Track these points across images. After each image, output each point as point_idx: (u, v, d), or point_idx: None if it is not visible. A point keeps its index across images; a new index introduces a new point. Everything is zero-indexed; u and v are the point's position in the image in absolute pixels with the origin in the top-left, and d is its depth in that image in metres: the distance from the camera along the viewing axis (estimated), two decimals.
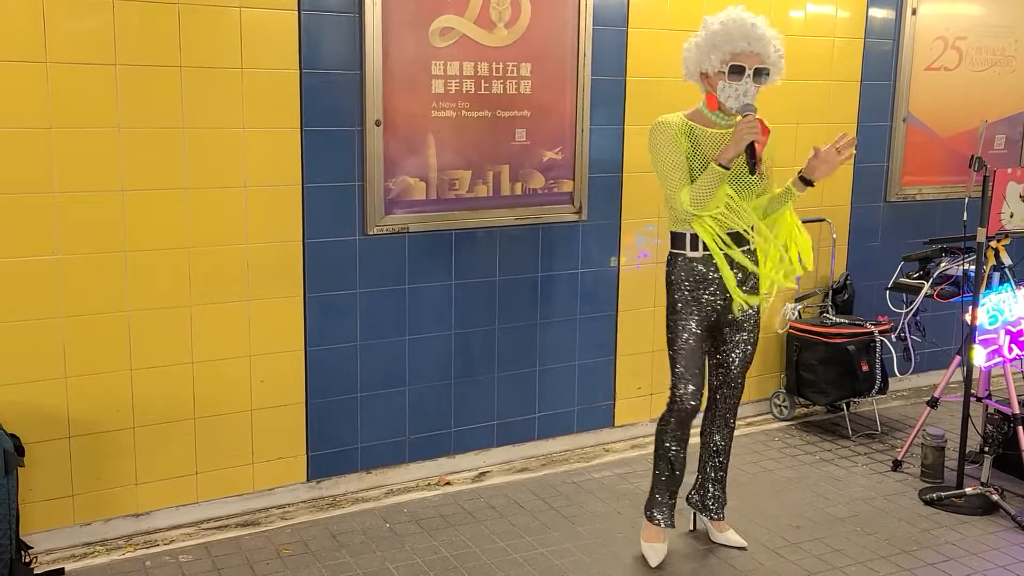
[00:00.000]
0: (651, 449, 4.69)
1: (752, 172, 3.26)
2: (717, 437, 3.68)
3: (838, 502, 4.13)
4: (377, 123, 3.87)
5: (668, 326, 3.47)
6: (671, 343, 3.46)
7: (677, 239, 3.44)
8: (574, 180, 4.37)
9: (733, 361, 3.55)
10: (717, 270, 3.39)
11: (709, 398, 3.64)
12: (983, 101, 5.54)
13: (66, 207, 3.41)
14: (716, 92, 3.27)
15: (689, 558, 3.63)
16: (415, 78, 3.93)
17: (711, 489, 3.73)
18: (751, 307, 3.49)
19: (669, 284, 3.47)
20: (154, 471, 3.72)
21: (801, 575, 3.52)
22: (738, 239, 3.37)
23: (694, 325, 3.42)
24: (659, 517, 3.58)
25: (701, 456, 3.73)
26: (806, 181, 3.37)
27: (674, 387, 3.46)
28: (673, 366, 3.46)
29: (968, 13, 5.43)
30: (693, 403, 3.44)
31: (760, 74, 3.24)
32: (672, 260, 3.47)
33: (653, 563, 3.55)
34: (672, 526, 3.61)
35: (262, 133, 3.70)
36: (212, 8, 3.55)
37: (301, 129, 3.77)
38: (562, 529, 3.85)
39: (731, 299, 3.44)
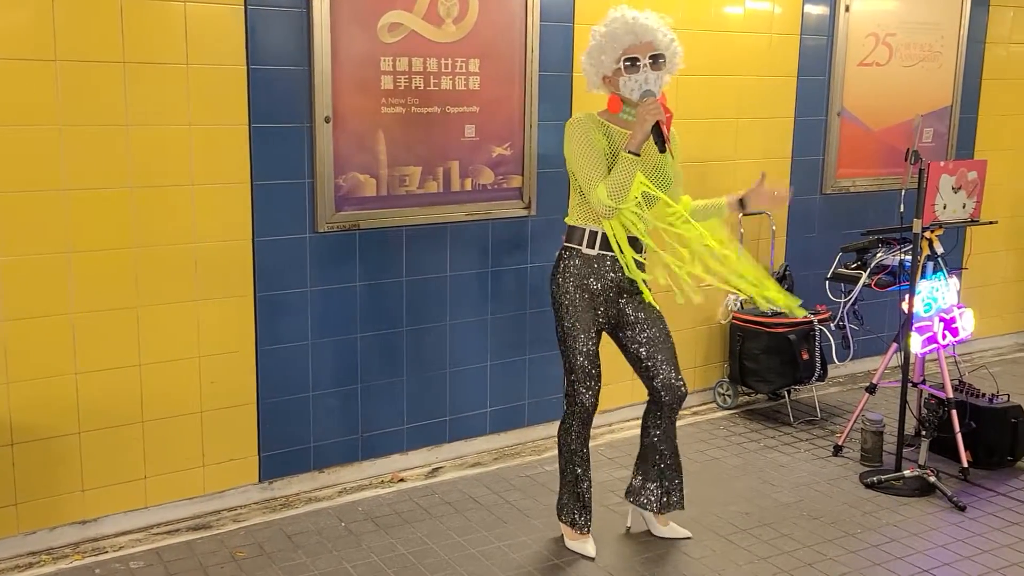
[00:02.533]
0: (601, 440, 4.77)
1: (662, 151, 3.28)
2: (660, 434, 3.62)
3: (783, 488, 4.25)
4: (326, 119, 3.83)
5: (560, 328, 3.44)
6: (565, 344, 3.43)
7: (574, 234, 3.41)
8: (523, 176, 4.39)
9: (659, 360, 3.49)
10: (611, 269, 3.41)
11: (653, 397, 3.59)
12: (912, 96, 5.73)
13: (5, 208, 3.31)
14: (620, 90, 3.32)
15: (642, 548, 3.69)
16: (364, 74, 3.90)
17: (664, 484, 3.69)
18: (649, 302, 3.49)
19: (557, 282, 3.44)
20: (101, 476, 3.64)
21: (752, 560, 3.61)
22: (634, 243, 3.41)
23: (588, 322, 3.41)
24: (580, 521, 3.61)
25: (647, 454, 3.68)
26: (742, 203, 3.52)
27: (574, 391, 3.46)
28: (570, 369, 3.45)
29: (898, 10, 5.60)
30: (593, 403, 3.49)
31: (656, 60, 3.29)
32: (563, 256, 3.44)
33: (592, 554, 3.58)
34: (589, 527, 3.64)
35: (209, 130, 3.64)
36: (155, 2, 3.47)
37: (249, 126, 3.71)
38: (517, 523, 3.88)
39: (627, 298, 3.46)
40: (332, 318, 4.04)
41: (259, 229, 3.80)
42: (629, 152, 3.24)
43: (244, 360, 3.86)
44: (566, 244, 3.46)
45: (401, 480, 4.26)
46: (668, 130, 3.30)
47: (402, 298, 4.20)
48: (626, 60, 3.26)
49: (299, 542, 3.69)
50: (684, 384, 3.56)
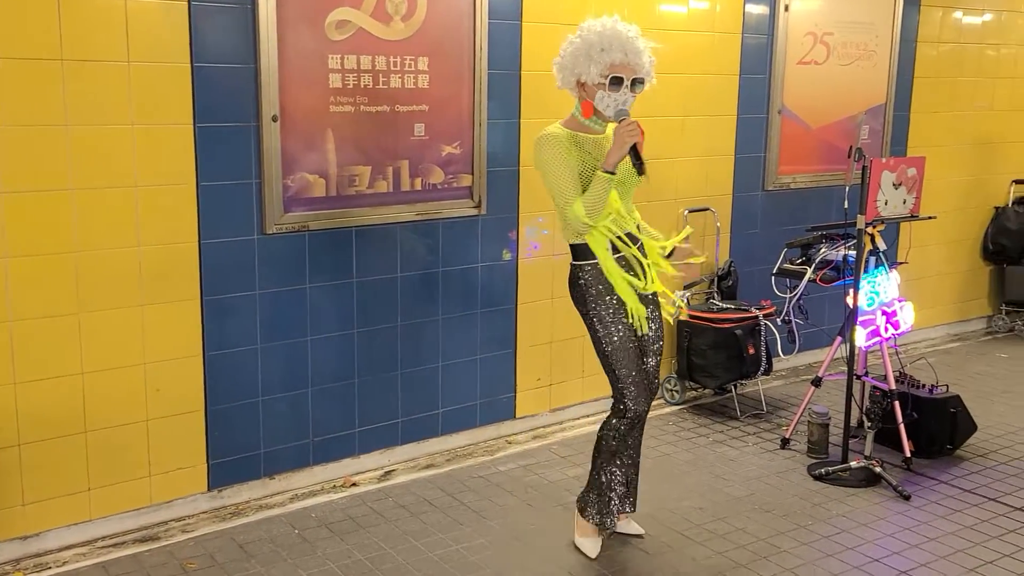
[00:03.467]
0: (553, 439, 4.77)
1: (640, 173, 3.30)
2: (634, 433, 3.65)
3: (734, 482, 4.30)
4: (274, 118, 3.75)
5: (599, 339, 3.42)
6: (608, 353, 3.41)
7: (587, 248, 3.39)
8: (473, 175, 4.35)
9: (650, 360, 3.55)
10: (626, 267, 3.43)
11: None
12: (849, 94, 5.85)
13: None
14: (593, 101, 3.31)
15: (601, 546, 3.69)
16: (312, 72, 3.83)
17: (629, 481, 3.70)
18: (656, 308, 3.56)
19: (585, 298, 3.42)
20: (43, 489, 3.51)
21: (709, 555, 3.64)
22: (630, 238, 3.44)
23: (624, 328, 3.41)
24: (606, 522, 3.59)
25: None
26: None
27: (623, 395, 3.43)
28: (616, 375, 3.42)
29: (834, 9, 5.70)
30: (644, 409, 3.47)
31: (636, 84, 3.31)
32: (581, 272, 3.42)
33: (593, 555, 3.59)
34: (612, 526, 3.64)
35: (152, 129, 3.53)
36: None
37: (194, 125, 3.61)
38: (473, 524, 3.85)
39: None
40: (281, 321, 3.95)
41: (205, 231, 3.70)
42: (605, 171, 3.24)
43: (191, 366, 3.76)
44: (578, 263, 3.41)
45: (354, 484, 4.19)
46: (642, 150, 3.29)
47: (352, 300, 4.13)
48: (612, 77, 3.24)
49: (252, 551, 3.61)
50: (658, 381, 3.62)
